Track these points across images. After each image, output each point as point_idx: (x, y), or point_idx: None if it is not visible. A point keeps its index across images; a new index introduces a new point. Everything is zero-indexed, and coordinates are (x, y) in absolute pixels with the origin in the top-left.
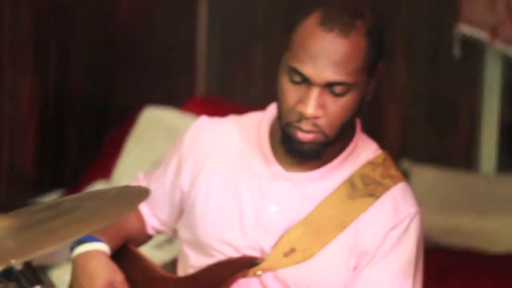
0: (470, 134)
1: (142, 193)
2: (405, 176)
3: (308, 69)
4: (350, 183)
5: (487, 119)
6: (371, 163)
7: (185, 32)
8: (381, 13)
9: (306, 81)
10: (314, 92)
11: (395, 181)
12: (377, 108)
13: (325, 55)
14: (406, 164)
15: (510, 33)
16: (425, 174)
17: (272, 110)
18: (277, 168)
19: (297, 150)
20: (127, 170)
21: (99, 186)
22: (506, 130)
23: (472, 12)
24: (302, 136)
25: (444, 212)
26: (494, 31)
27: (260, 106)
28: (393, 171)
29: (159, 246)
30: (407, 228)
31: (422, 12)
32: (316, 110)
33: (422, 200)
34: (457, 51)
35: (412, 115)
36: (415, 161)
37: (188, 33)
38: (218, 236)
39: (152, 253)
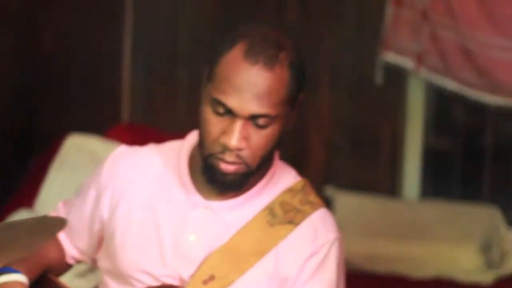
0: (393, 161)
1: (58, 224)
2: (329, 202)
3: (232, 102)
4: (269, 210)
5: (410, 145)
6: (290, 190)
7: (110, 59)
8: (304, 41)
9: (229, 113)
10: (238, 124)
11: (314, 208)
12: (301, 135)
13: (250, 88)
14: (330, 190)
15: (435, 61)
16: (349, 200)
17: (191, 138)
18: (196, 196)
19: (219, 181)
20: (50, 198)
21: (22, 214)
22: (429, 156)
23: (397, 40)
24: (225, 167)
25: (368, 238)
26: (419, 59)
27: (184, 133)
28: (312, 197)
29: (81, 274)
30: (326, 255)
31: (345, 40)
32: (240, 142)
33: (346, 226)
34: (381, 79)
35: (336, 141)
36: (339, 187)
37: (112, 60)
38: (137, 265)
39: (73, 282)
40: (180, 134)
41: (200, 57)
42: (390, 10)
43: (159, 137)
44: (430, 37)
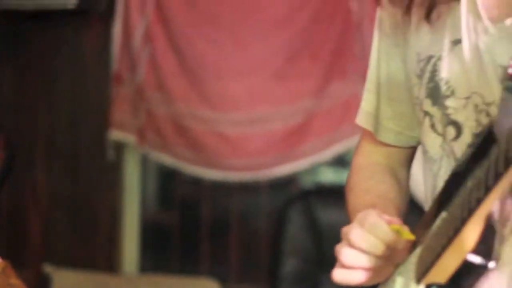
0: (112, 237)
1: None
2: (48, 280)
3: None
4: None
5: (128, 220)
6: None
7: None
8: (20, 117)
9: None
10: None
11: None
12: (18, 212)
13: None
14: (48, 268)
15: (153, 137)
16: (67, 278)
17: None
18: None
19: None
20: None
21: None
22: (147, 231)
23: (119, 116)
24: None
25: None
26: (140, 135)
27: None
28: (13, 280)
29: None
30: None
31: (63, 113)
32: None
33: None
34: (112, 156)
35: (54, 218)
36: (58, 265)
37: None
38: None
39: None
40: None
41: None
42: (111, 87)
43: None
44: (147, 113)
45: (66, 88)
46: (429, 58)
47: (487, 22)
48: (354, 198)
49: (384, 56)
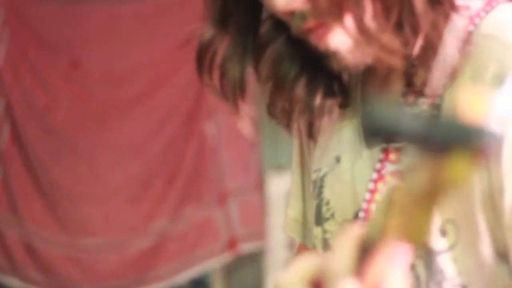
0: None
1: None
2: None
3: None
4: None
5: None
6: None
7: None
8: None
9: None
10: None
11: None
12: None
13: None
14: None
15: (0, 260)
16: None
17: None
18: None
19: None
20: None
21: None
22: None
23: None
24: None
25: None
26: None
27: None
28: None
29: None
30: None
31: None
32: None
33: None
34: None
35: None
36: None
37: None
38: None
39: None
40: None
41: None
42: None
43: None
44: None
45: None
46: (319, 171)
47: (363, 145)
48: None
49: (308, 154)
